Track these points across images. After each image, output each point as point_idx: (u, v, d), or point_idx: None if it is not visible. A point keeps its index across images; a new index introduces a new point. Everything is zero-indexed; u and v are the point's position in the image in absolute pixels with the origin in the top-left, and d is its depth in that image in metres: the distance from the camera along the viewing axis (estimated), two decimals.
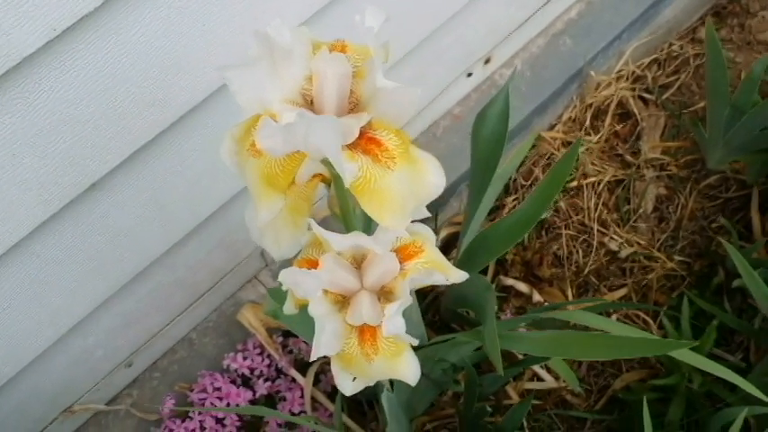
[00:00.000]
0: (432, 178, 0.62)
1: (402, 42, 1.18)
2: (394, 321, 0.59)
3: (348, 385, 0.68)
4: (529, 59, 1.46)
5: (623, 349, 0.83)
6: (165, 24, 0.86)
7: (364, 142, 0.59)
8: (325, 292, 0.65)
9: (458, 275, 0.69)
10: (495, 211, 1.48)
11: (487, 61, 1.40)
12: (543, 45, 1.47)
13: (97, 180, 0.93)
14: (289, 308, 0.70)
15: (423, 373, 1.22)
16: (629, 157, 1.52)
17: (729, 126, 1.37)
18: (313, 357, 0.62)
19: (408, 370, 0.67)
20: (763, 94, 1.47)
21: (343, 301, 0.66)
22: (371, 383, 0.70)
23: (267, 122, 0.54)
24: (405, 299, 0.60)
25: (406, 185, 0.60)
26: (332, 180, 0.71)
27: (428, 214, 0.71)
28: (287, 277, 0.61)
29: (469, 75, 1.39)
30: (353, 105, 0.61)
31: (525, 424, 1.29)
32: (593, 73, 1.51)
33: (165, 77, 0.90)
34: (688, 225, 1.45)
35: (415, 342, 0.62)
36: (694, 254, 1.43)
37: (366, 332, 0.64)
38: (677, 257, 1.42)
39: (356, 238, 0.63)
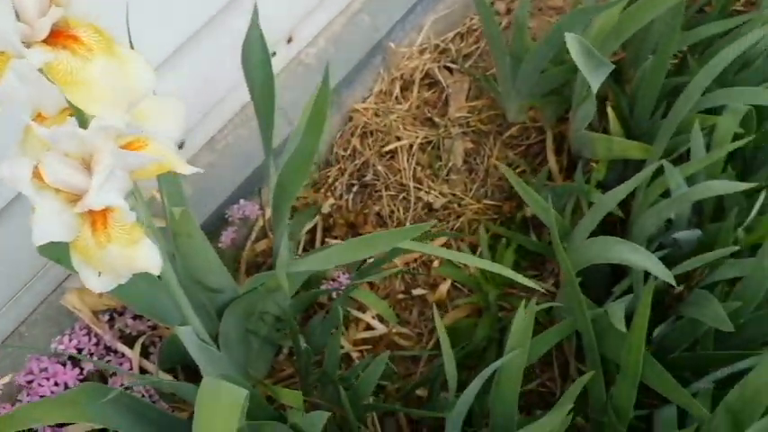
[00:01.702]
0: (140, 72, 0.69)
1: (190, 18, 1.26)
2: (102, 193, 0.65)
3: (95, 281, 0.73)
4: (331, 37, 1.57)
5: (383, 241, 0.92)
6: None
7: (62, 39, 0.65)
8: (57, 191, 0.71)
9: (186, 168, 0.75)
10: (319, 186, 1.57)
11: (290, 41, 1.49)
12: (344, 23, 1.58)
13: None
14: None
15: (250, 331, 1.28)
16: (437, 120, 1.63)
17: (514, 76, 1.50)
18: (35, 243, 0.66)
19: (147, 259, 0.72)
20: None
21: (77, 200, 0.72)
22: (122, 280, 0.74)
23: None
24: (109, 167, 0.66)
25: (111, 77, 0.66)
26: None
27: (174, 135, 0.78)
28: (2, 171, 0.66)
29: (273, 54, 1.48)
30: None
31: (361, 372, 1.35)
32: (392, 45, 1.63)
33: None
34: (495, 173, 1.57)
35: (134, 216, 0.68)
36: (503, 198, 1.55)
37: (97, 221, 0.70)
38: (487, 201, 1.53)
39: (68, 126, 0.68)
